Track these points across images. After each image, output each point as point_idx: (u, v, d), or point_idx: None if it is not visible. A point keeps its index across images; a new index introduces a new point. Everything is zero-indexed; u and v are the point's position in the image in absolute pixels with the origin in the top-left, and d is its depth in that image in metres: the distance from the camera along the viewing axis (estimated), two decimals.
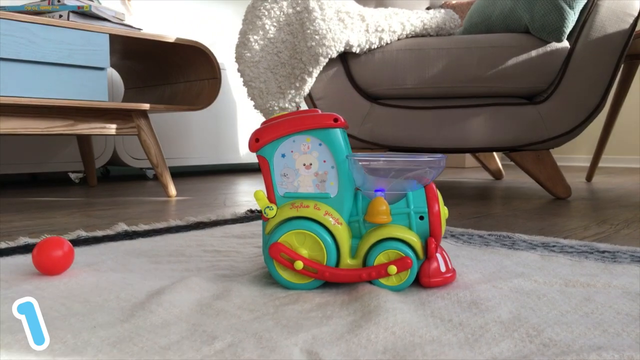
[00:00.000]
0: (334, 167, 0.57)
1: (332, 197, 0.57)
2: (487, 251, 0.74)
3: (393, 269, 0.54)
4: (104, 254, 0.74)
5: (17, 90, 1.19)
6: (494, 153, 2.10)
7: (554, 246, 0.78)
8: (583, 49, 1.32)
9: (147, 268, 0.66)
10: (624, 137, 3.02)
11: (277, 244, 0.56)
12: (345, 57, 1.39)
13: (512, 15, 1.36)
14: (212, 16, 2.50)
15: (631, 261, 0.67)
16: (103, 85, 1.33)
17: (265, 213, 0.57)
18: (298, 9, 1.30)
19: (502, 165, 2.78)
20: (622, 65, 1.78)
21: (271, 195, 0.58)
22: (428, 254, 0.56)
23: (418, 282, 0.57)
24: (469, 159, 3.05)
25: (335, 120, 0.56)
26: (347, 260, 0.56)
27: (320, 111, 0.58)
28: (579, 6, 1.27)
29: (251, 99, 1.36)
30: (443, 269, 0.57)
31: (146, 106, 1.41)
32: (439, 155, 0.57)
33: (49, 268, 0.62)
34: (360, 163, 0.56)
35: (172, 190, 1.49)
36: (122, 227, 0.94)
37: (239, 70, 1.35)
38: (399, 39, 1.39)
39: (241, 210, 1.22)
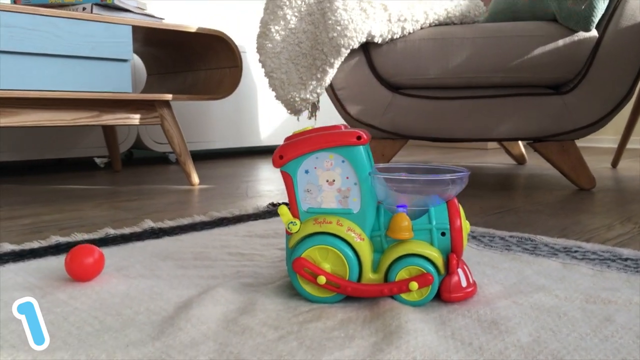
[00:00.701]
0: (356, 184, 0.57)
1: (355, 212, 0.58)
2: (508, 257, 0.75)
3: (414, 285, 0.55)
4: (132, 257, 0.76)
5: (43, 84, 1.21)
6: None
7: (575, 251, 0.77)
8: (612, 38, 1.28)
9: (175, 274, 0.68)
10: None
11: (301, 259, 0.57)
12: (367, 47, 1.38)
13: (539, 3, 1.33)
14: None
15: None
16: (127, 76, 1.34)
17: (288, 228, 0.58)
18: None
19: (525, 149, 2.74)
20: None
21: (294, 211, 0.59)
22: (449, 270, 0.57)
23: (439, 297, 0.58)
24: None
25: (359, 137, 0.56)
26: (369, 275, 0.57)
27: (343, 128, 0.59)
28: None
29: (272, 90, 1.37)
30: (464, 283, 0.58)
31: (169, 97, 1.42)
32: (462, 172, 0.57)
33: (81, 275, 0.65)
34: (383, 180, 0.56)
35: (195, 178, 1.52)
36: (148, 224, 0.96)
37: (260, 61, 1.35)
38: (422, 28, 1.37)
39: (263, 202, 1.23)
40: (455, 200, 0.59)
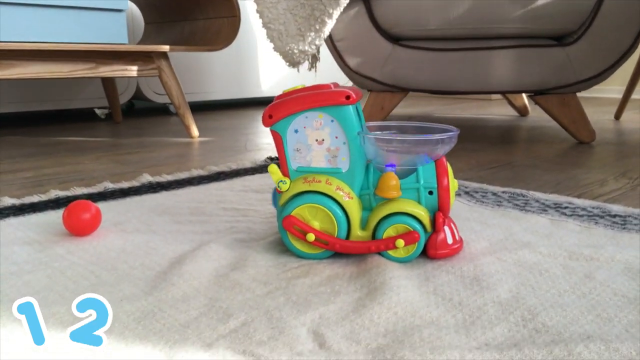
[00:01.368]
0: (345, 143, 0.58)
1: (344, 171, 0.58)
2: (498, 213, 0.76)
3: (401, 242, 0.57)
4: (130, 211, 0.78)
5: (38, 36, 1.20)
6: None
7: (566, 207, 0.78)
8: None
9: (170, 229, 0.70)
10: None
11: (290, 217, 0.58)
12: None
13: None
14: None
15: None
16: (122, 27, 1.32)
17: (278, 186, 0.59)
18: None
19: (528, 101, 2.71)
20: None
21: (285, 169, 0.60)
22: (436, 228, 0.58)
23: (425, 253, 0.59)
24: None
25: (347, 97, 0.56)
26: (357, 232, 0.59)
27: (332, 86, 0.59)
28: None
29: (270, 41, 1.34)
30: (450, 240, 0.60)
31: (166, 48, 1.41)
32: (451, 131, 0.58)
33: (78, 230, 0.67)
34: (373, 139, 0.56)
35: (195, 131, 1.52)
36: (146, 178, 0.97)
37: (257, 11, 1.32)
38: None
39: (261, 156, 1.24)
40: (444, 159, 0.60)
